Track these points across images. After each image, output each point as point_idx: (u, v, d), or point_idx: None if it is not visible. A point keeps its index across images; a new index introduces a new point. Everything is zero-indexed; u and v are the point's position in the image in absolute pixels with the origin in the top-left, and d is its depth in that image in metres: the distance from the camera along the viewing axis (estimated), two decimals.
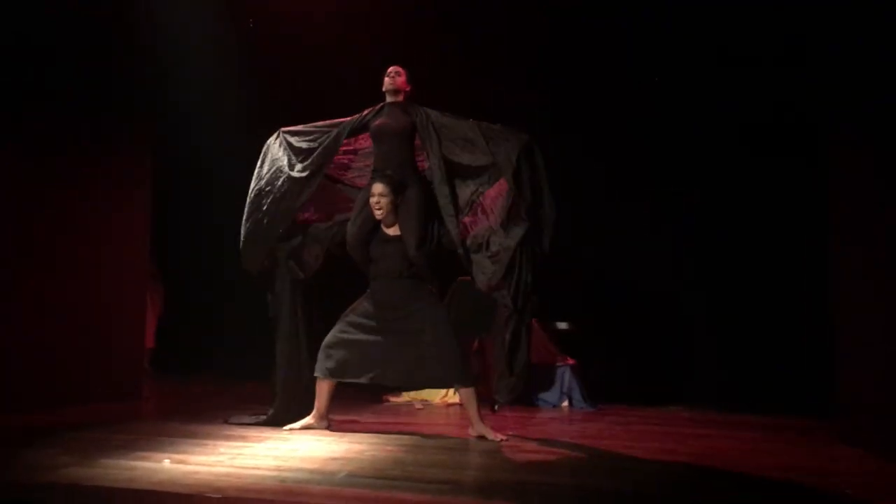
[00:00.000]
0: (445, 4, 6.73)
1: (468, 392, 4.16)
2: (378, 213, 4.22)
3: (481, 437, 4.12)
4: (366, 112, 4.46)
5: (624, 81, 6.82)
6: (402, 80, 4.44)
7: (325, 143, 4.39)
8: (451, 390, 5.76)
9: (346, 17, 6.48)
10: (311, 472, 3.18)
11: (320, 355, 4.24)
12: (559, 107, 6.94)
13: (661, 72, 6.66)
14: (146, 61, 5.88)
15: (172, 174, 7.07)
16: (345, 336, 4.22)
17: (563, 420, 5.16)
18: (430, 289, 4.33)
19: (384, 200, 4.18)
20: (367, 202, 4.26)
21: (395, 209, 4.22)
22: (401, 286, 4.20)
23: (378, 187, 4.20)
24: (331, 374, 4.22)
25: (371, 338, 4.19)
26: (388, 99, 4.46)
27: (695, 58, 6.58)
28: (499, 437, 4.10)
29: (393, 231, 4.27)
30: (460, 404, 5.96)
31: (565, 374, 6.05)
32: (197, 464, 3.27)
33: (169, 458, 3.36)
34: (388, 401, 5.98)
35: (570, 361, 6.13)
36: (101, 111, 5.51)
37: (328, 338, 4.25)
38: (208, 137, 7.47)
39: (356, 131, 4.45)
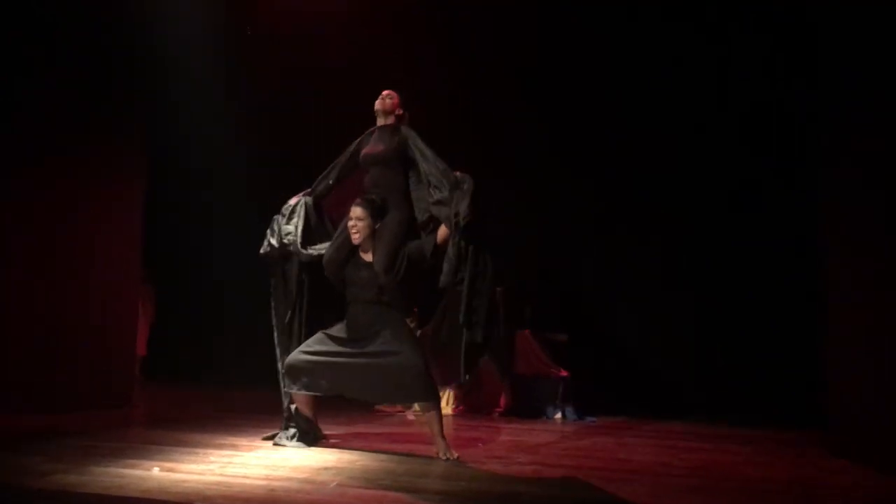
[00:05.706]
0: (439, 21, 6.79)
1: (430, 411, 3.98)
2: (354, 238, 4.08)
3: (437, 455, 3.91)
4: (357, 141, 4.39)
5: (614, 87, 6.84)
6: (393, 102, 4.33)
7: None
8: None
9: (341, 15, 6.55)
10: (302, 481, 3.16)
11: (287, 374, 4.10)
12: (552, 117, 6.96)
13: (657, 76, 6.68)
14: (141, 61, 5.88)
15: (165, 177, 7.05)
16: (310, 357, 4.06)
17: (555, 432, 5.15)
18: (401, 317, 4.17)
19: (360, 224, 4.05)
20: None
21: (373, 234, 4.07)
22: (371, 312, 4.07)
23: (356, 211, 4.07)
24: (299, 388, 4.08)
25: (337, 359, 4.04)
26: (379, 121, 4.36)
27: (691, 63, 6.61)
28: (454, 455, 3.89)
29: (368, 257, 4.11)
30: (454, 415, 5.98)
31: (558, 387, 6.04)
32: (186, 472, 3.26)
33: (158, 465, 3.35)
34: (380, 410, 5.96)
35: (564, 373, 6.12)
36: (95, 110, 5.51)
37: (292, 356, 4.11)
38: (203, 139, 7.44)
39: (352, 166, 4.39)
